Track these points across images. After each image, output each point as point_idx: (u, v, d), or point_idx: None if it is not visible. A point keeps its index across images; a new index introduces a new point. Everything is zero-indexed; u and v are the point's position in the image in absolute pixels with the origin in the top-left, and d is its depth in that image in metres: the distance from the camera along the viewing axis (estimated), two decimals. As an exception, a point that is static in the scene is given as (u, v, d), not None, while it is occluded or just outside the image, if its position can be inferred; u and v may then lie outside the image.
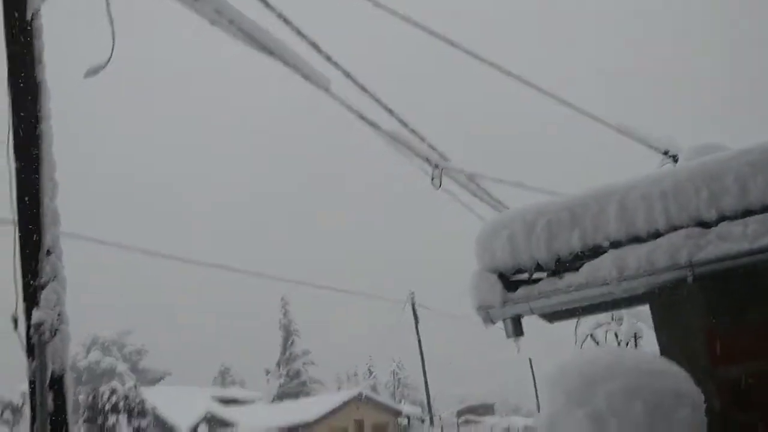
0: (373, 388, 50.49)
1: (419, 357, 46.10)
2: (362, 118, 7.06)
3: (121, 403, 31.22)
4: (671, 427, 1.48)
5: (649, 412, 1.49)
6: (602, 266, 3.23)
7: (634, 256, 3.20)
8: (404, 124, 8.03)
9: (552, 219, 3.45)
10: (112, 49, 4.84)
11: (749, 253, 2.97)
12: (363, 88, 6.96)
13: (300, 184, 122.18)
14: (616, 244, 3.29)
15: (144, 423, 31.91)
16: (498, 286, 3.33)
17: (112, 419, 29.83)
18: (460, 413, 53.56)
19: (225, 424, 35.84)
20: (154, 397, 39.34)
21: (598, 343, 9.59)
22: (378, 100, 7.42)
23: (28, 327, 4.16)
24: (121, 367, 36.54)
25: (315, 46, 5.89)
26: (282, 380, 63.41)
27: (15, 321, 4.23)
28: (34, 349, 4.10)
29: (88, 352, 34.82)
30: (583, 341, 9.47)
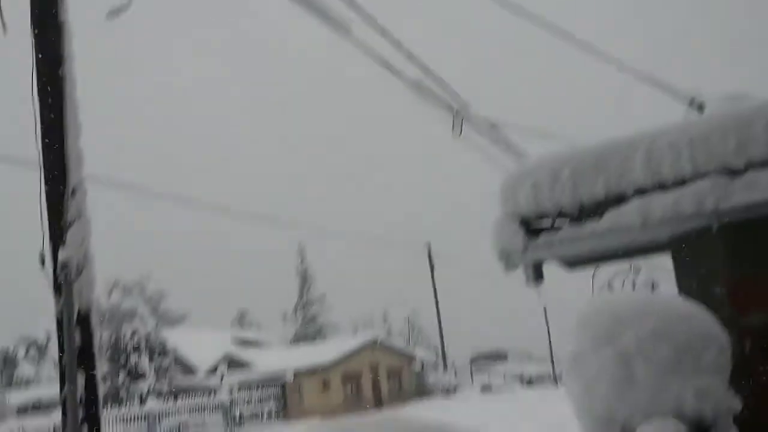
0: (388, 334, 51.31)
1: (434, 304, 46.58)
2: (384, 64, 6.96)
3: (143, 343, 32.01)
4: (698, 369, 1.49)
5: (676, 354, 1.50)
6: (626, 213, 3.21)
7: (659, 203, 3.17)
8: (426, 70, 7.92)
9: (577, 167, 3.43)
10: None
11: (777, 201, 2.93)
12: (384, 32, 6.84)
13: (318, 135, 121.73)
14: (641, 192, 3.26)
15: (165, 363, 32.77)
16: (520, 232, 3.34)
17: (134, 358, 30.64)
18: (473, 360, 54.39)
19: (243, 365, 36.68)
20: (175, 338, 40.25)
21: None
22: (399, 45, 7.30)
23: (55, 265, 4.23)
24: (142, 309, 37.25)
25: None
26: (298, 324, 64.52)
27: (42, 259, 4.31)
28: (61, 287, 4.18)
29: (109, 294, 35.52)
30: (600, 291, 9.47)
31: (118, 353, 30.05)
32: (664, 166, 3.28)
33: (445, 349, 47.12)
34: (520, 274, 3.53)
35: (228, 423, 25.01)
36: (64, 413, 4.07)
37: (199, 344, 41.52)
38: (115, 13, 4.82)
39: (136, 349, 31.88)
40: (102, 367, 4.39)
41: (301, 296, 66.18)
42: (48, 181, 4.37)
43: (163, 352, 33.40)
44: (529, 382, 50.46)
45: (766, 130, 3.11)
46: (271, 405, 28.15)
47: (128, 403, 24.67)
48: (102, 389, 4.29)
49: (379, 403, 35.80)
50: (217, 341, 43.11)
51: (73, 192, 4.32)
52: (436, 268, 46.97)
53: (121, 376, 29.40)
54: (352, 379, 35.30)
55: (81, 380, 4.07)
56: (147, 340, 32.51)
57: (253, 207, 74.16)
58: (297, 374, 31.88)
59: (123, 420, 20.91)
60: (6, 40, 4.80)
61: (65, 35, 4.58)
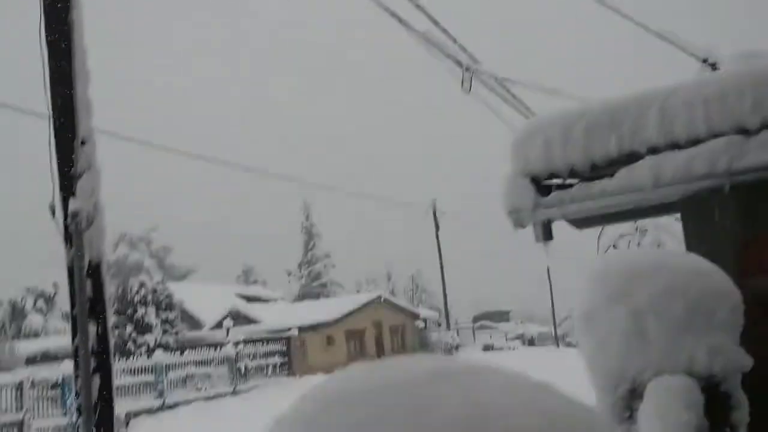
0: (392, 292, 51.72)
1: (438, 263, 46.83)
2: (393, 15, 6.86)
3: (150, 297, 32.36)
4: (710, 326, 1.49)
5: (689, 311, 1.50)
6: (638, 172, 3.19)
7: (671, 162, 3.15)
8: (435, 23, 7.81)
9: (589, 124, 3.39)
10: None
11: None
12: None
13: (325, 91, 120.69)
14: (653, 151, 3.23)
15: (171, 316, 33.17)
16: (530, 190, 3.32)
17: (141, 311, 31.00)
18: (476, 319, 54.93)
19: (248, 320, 37.11)
20: (181, 292, 40.65)
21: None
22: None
23: (66, 216, 4.25)
24: (148, 262, 37.53)
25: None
26: (303, 281, 65.02)
27: (53, 210, 4.32)
28: (71, 237, 4.21)
29: (116, 247, 35.74)
30: (606, 251, 9.51)
31: (124, 306, 30.39)
32: (678, 125, 3.25)
33: (448, 308, 47.56)
34: (527, 233, 3.53)
35: (233, 376, 25.40)
36: (76, 363, 4.14)
37: (205, 299, 41.96)
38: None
39: (143, 302, 32.25)
40: (112, 318, 4.43)
41: (305, 254, 66.54)
42: (58, 130, 4.35)
43: (170, 305, 33.79)
44: (531, 341, 51.05)
45: (783, 90, 3.07)
46: (276, 360, 28.55)
47: (135, 355, 25.05)
48: (112, 340, 4.34)
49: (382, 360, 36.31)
50: (222, 296, 43.55)
51: (83, 142, 4.31)
52: (441, 227, 47.09)
53: (128, 328, 29.79)
54: (355, 336, 35.74)
55: (92, 330, 4.12)
56: (154, 293, 32.86)
57: (260, 163, 74.14)
58: (301, 330, 32.27)
59: (131, 371, 21.26)
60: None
61: (73, -17, 4.51)
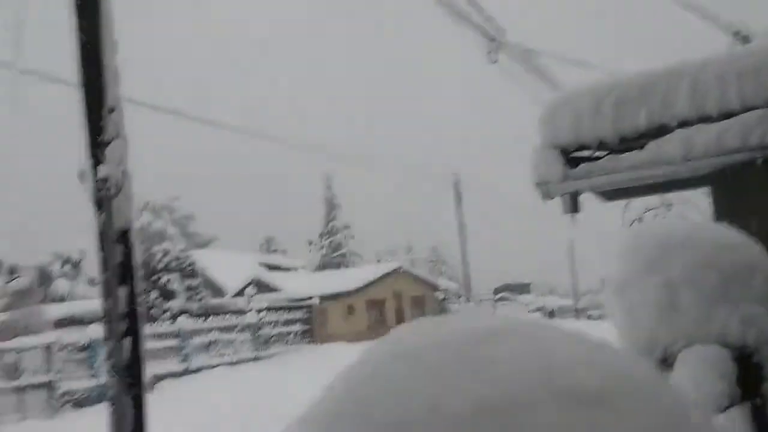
0: (412, 263, 51.89)
1: (459, 235, 46.80)
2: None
3: (173, 264, 32.82)
4: (744, 297, 1.49)
5: (723, 282, 1.50)
6: (668, 145, 3.16)
7: (702, 136, 3.12)
8: (463, -6, 7.72)
9: (619, 97, 3.36)
10: None
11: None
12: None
13: (350, 61, 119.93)
14: (684, 124, 3.20)
15: (195, 283, 33.65)
16: (559, 162, 3.31)
17: (165, 278, 31.49)
18: (496, 291, 55.03)
19: (270, 288, 37.51)
20: (203, 260, 41.14)
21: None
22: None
23: (95, 182, 4.31)
24: (172, 230, 38.02)
25: None
26: (323, 252, 65.43)
27: (82, 176, 4.39)
28: (101, 203, 4.27)
29: (140, 214, 36.22)
30: (631, 225, 9.45)
31: (148, 273, 30.86)
32: (710, 99, 3.20)
33: (469, 280, 47.65)
34: (552, 205, 3.52)
35: (256, 342, 25.79)
36: (106, 326, 4.24)
37: (227, 266, 42.45)
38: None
39: (167, 269, 32.73)
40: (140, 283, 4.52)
41: (326, 224, 66.85)
42: (86, 98, 4.40)
43: (193, 273, 34.26)
44: (551, 314, 51.06)
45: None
46: (297, 327, 28.90)
47: (160, 321, 25.49)
48: (141, 304, 4.43)
49: (401, 329, 36.58)
50: (244, 264, 44.00)
51: (112, 110, 4.35)
52: (464, 199, 46.96)
53: (152, 295, 30.29)
54: (375, 306, 36.01)
55: (122, 294, 4.21)
56: (177, 260, 33.31)
57: (283, 132, 74.23)
58: (323, 299, 32.57)
59: (155, 336, 21.66)
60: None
61: (101, -50, 4.51)
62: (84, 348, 18.50)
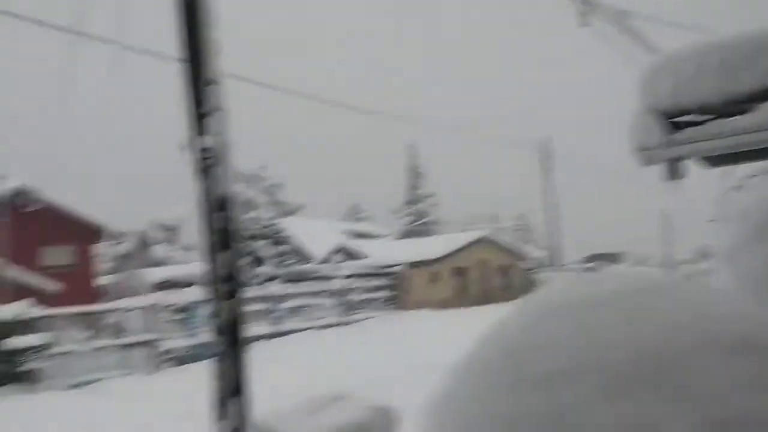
0: (498, 232, 51.35)
1: (547, 202, 45.91)
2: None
3: (263, 231, 33.86)
4: None
5: (839, 250, 1.45)
6: (779, 109, 3.00)
7: (817, 98, 2.95)
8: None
9: (724, 58, 3.21)
10: None
11: None
12: None
13: (433, 27, 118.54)
14: (796, 86, 3.03)
15: (283, 250, 34.65)
16: (659, 127, 3.21)
17: (255, 245, 32.59)
18: (586, 260, 53.83)
19: (355, 255, 38.12)
20: (291, 227, 42.18)
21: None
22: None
23: (197, 152, 4.52)
24: (261, 198, 39.12)
25: None
26: (408, 220, 65.73)
27: (184, 147, 4.60)
28: (202, 172, 4.48)
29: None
30: (731, 192, 9.01)
31: (240, 240, 32.03)
32: (827, 58, 3.02)
33: (557, 248, 46.84)
34: (648, 173, 3.42)
35: (342, 308, 26.39)
36: (210, 289, 4.47)
37: (314, 234, 43.36)
38: None
39: (257, 236, 33.82)
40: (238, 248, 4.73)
41: (411, 192, 67.00)
42: (187, 71, 4.58)
43: (281, 240, 35.25)
44: (642, 285, 49.49)
45: None
46: (382, 294, 29.33)
47: (251, 286, 26.46)
48: (241, 268, 4.64)
49: (487, 298, 36.48)
50: (330, 232, 44.84)
51: (212, 83, 4.53)
52: (553, 167, 45.98)
53: (244, 261, 31.45)
54: (460, 274, 36.00)
55: (223, 259, 4.42)
56: (266, 229, 34.33)
57: (368, 101, 74.53)
58: (407, 266, 32.85)
59: (248, 300, 22.52)
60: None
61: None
62: (182, 310, 19.49)
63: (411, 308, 30.21)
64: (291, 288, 24.98)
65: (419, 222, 65.24)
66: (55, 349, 15.66)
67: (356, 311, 27.00)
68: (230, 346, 4.32)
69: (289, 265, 34.08)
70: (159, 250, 50.31)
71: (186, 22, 4.58)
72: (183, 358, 18.39)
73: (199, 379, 14.04)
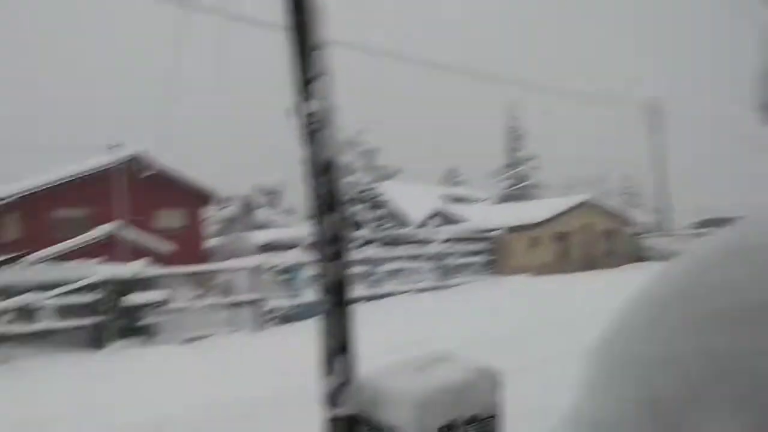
0: (603, 195, 49.79)
1: (655, 165, 43.99)
2: None
3: (361, 195, 34.38)
4: None
5: None
6: None
7: None
8: None
9: None
10: None
11: None
12: None
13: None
14: None
15: (381, 214, 35.07)
16: (786, 82, 3.00)
17: (353, 209, 33.16)
18: (697, 226, 51.36)
19: (453, 219, 38.06)
20: (389, 192, 42.52)
21: None
22: None
23: (303, 117, 4.63)
24: (358, 163, 39.64)
25: None
26: (507, 183, 64.70)
27: (290, 113, 4.73)
28: (309, 136, 4.60)
29: (332, 148, 38.21)
30: None
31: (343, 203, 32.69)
32: None
33: (666, 213, 44.94)
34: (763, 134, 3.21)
35: (440, 271, 26.52)
36: (317, 250, 4.62)
37: (412, 198, 43.55)
38: None
39: (355, 200, 34.36)
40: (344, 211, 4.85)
41: (510, 155, 65.78)
42: (292, 37, 4.68)
43: (379, 204, 35.65)
44: (757, 252, 46.83)
45: None
46: (480, 258, 29.23)
47: (351, 249, 27.05)
48: (347, 230, 4.76)
49: (590, 264, 35.60)
50: (427, 196, 44.88)
51: (318, 48, 4.61)
52: (662, 128, 43.94)
53: (347, 223, 32.17)
54: (562, 239, 35.26)
55: (328, 221, 4.55)
56: (364, 193, 34.80)
57: (467, 60, 73.29)
58: (506, 231, 32.49)
59: (349, 263, 23.01)
60: None
61: None
62: (285, 271, 20.21)
63: (510, 273, 29.96)
64: (388, 252, 25.32)
65: (519, 186, 64.12)
66: (170, 306, 16.68)
67: (454, 275, 27.07)
68: (336, 305, 4.47)
69: (387, 229, 34.48)
70: (262, 214, 52.13)
71: (291, -11, 4.67)
72: (287, 317, 19.15)
73: (302, 336, 14.60)
